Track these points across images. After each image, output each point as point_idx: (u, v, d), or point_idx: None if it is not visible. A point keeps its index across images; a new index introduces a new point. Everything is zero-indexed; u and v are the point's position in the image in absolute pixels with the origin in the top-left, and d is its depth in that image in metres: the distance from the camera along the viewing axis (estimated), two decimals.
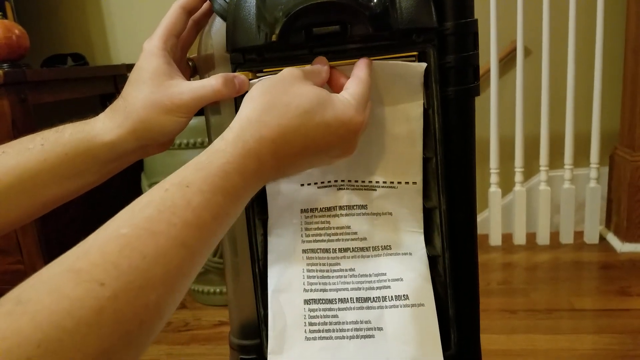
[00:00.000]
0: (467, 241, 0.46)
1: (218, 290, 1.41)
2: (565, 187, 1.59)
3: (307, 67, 0.41)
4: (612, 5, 1.52)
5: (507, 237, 1.67)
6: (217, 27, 0.45)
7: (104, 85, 1.60)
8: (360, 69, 0.41)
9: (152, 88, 0.41)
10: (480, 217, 1.72)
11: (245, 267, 0.49)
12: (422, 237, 0.48)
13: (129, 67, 1.64)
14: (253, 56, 0.43)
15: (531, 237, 1.66)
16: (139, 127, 0.42)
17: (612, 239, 1.60)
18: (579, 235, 1.63)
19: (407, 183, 0.47)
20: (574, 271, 1.47)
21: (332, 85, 0.43)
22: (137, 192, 1.58)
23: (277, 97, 0.37)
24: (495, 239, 1.65)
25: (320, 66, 0.42)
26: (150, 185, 1.47)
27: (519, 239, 1.65)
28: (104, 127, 0.43)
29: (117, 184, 1.56)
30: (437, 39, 0.42)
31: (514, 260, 1.57)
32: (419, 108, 0.44)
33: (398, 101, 0.45)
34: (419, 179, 0.47)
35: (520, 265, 1.54)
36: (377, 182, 0.47)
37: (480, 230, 1.66)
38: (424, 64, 0.42)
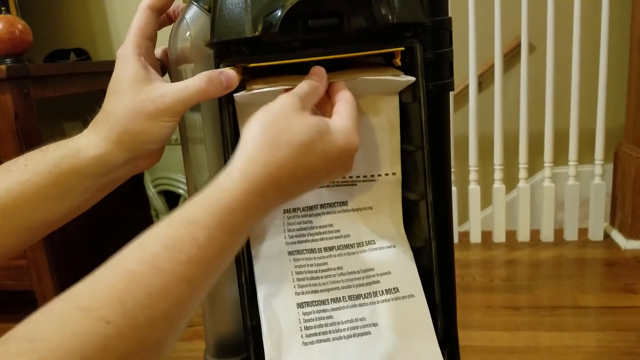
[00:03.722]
0: (447, 230, 0.48)
1: None
2: (570, 184, 1.58)
3: (303, 83, 0.40)
4: (617, 1, 1.51)
5: (510, 234, 1.66)
6: (193, 18, 0.43)
7: (107, 80, 1.59)
8: (343, 91, 0.42)
9: (132, 95, 0.40)
10: (483, 214, 1.71)
11: (222, 279, 0.47)
12: (403, 229, 0.48)
13: None
14: (242, 49, 0.41)
15: (535, 234, 1.65)
16: (124, 138, 0.40)
17: (617, 236, 1.59)
18: (583, 232, 1.62)
19: (387, 175, 0.47)
20: (578, 268, 1.47)
21: (319, 106, 0.42)
22: (140, 187, 1.58)
23: (279, 136, 0.36)
24: (499, 236, 1.65)
25: (316, 82, 0.41)
26: (153, 181, 1.48)
27: (523, 235, 1.64)
28: (88, 142, 0.41)
29: None
30: (423, 34, 0.43)
31: (518, 257, 1.56)
32: (395, 99, 0.45)
33: (375, 94, 0.45)
34: (398, 169, 0.47)
35: (524, 262, 1.54)
36: (357, 176, 0.48)
37: (483, 227, 1.66)
38: (411, 79, 0.43)
